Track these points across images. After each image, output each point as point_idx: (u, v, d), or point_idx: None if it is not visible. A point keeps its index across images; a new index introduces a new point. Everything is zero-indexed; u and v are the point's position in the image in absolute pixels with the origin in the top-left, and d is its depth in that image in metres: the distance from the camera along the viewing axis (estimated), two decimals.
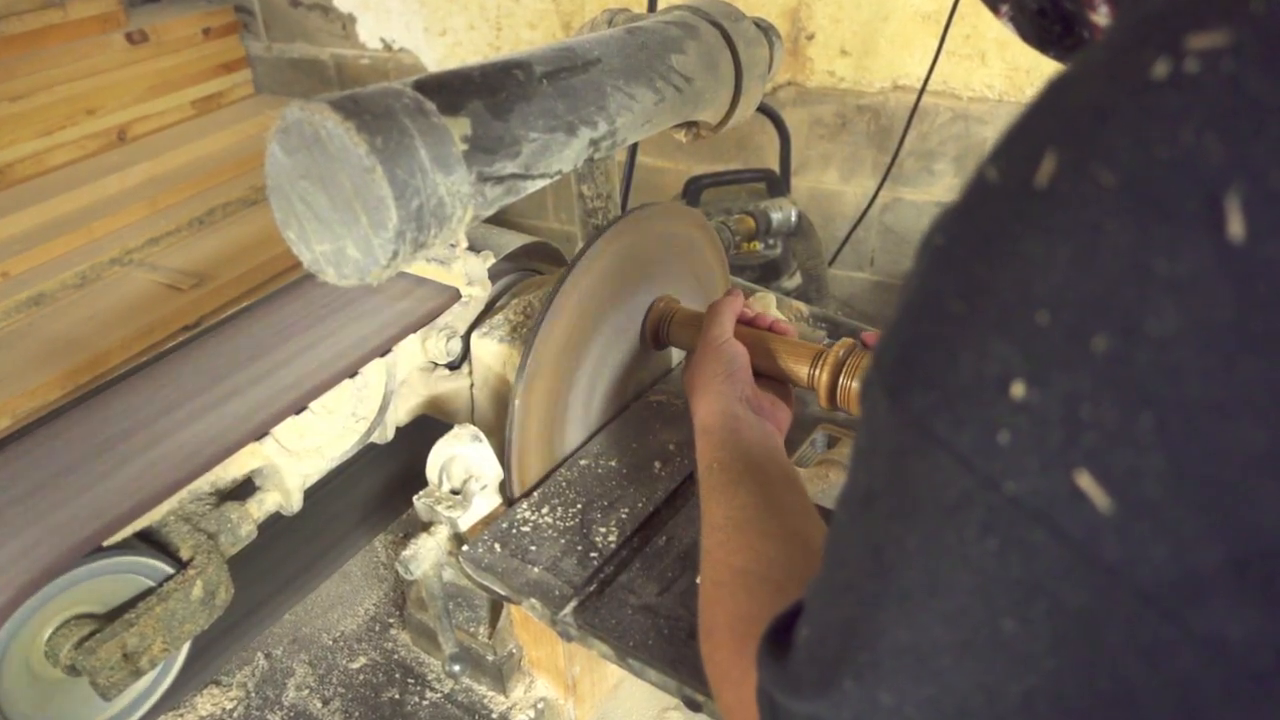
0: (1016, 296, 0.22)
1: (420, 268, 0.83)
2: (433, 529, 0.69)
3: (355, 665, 0.78)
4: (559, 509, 0.70)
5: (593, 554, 0.65)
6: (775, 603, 0.44)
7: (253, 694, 0.75)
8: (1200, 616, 0.20)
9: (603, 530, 0.68)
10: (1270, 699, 0.21)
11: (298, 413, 0.71)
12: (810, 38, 1.60)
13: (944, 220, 0.25)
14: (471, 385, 0.84)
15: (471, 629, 0.76)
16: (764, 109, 1.40)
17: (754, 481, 0.55)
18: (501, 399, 0.82)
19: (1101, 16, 0.35)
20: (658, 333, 0.79)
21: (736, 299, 0.71)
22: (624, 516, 0.69)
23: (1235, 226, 0.19)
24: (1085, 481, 0.21)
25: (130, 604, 0.63)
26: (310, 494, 0.76)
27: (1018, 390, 0.22)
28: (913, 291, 0.26)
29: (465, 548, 0.66)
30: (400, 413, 0.84)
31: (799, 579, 0.46)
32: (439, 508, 0.69)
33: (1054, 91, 0.24)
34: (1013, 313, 0.22)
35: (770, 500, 0.53)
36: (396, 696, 0.75)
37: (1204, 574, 0.20)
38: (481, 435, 0.70)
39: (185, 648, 0.69)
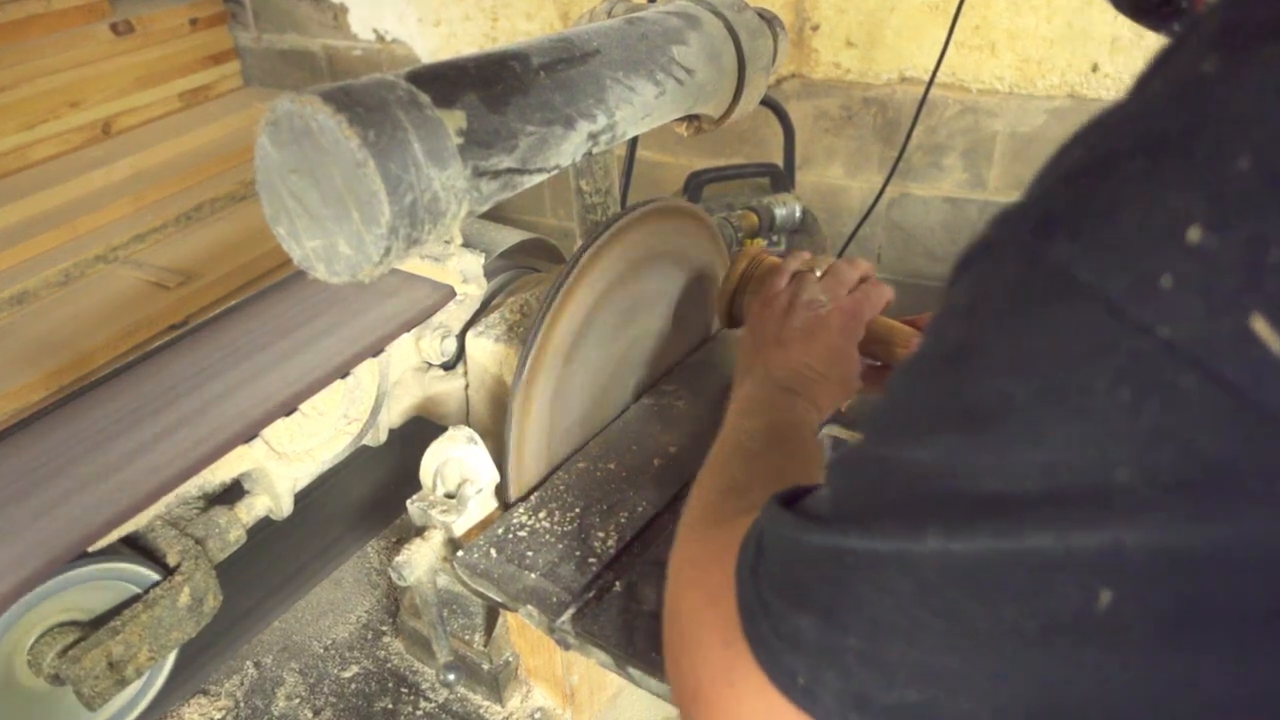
0: (1212, 147, 0.22)
1: (414, 265, 0.81)
2: (427, 534, 0.68)
3: (347, 674, 0.77)
4: (556, 513, 0.68)
5: (591, 559, 0.64)
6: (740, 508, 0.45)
7: (241, 704, 0.74)
8: None
9: (601, 535, 0.66)
10: None
11: (288, 414, 0.70)
12: (815, 28, 1.58)
13: (1117, 106, 0.26)
14: (467, 386, 0.83)
15: (466, 636, 0.74)
16: (767, 102, 1.38)
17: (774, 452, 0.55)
18: (497, 400, 0.81)
19: None
20: (738, 291, 0.75)
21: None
22: (623, 521, 0.67)
23: None
24: (1260, 325, 0.21)
25: (116, 611, 0.62)
26: (301, 498, 0.75)
27: (1193, 235, 0.22)
28: (1070, 161, 0.26)
29: (460, 553, 0.65)
30: (393, 414, 0.83)
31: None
32: (433, 512, 0.68)
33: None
34: (1204, 163, 0.22)
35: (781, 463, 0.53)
36: (389, 706, 0.74)
37: None
38: (477, 437, 0.69)
39: (172, 656, 0.68)
